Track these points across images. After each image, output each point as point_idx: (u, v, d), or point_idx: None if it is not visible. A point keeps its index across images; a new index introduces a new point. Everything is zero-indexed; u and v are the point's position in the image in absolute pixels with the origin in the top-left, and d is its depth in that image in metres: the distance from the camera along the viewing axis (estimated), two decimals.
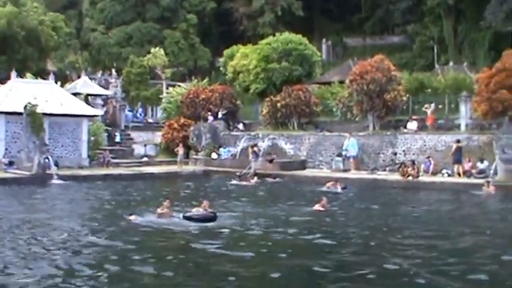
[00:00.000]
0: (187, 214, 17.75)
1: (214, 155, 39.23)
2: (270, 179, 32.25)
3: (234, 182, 31.07)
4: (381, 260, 12.93)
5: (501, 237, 16.33)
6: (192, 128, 41.12)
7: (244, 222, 17.66)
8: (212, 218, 17.45)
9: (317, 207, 20.45)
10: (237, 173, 33.20)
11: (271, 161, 34.17)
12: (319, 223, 18.24)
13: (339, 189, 26.52)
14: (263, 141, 38.10)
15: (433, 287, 11.03)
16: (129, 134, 44.45)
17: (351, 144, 33.81)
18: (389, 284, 11.35)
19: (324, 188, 26.93)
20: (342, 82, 40.42)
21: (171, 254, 13.62)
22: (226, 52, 50.67)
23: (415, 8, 61.26)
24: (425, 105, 35.52)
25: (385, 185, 29.64)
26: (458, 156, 30.12)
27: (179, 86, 49.13)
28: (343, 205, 22.36)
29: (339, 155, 34.54)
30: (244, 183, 30.67)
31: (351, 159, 33.74)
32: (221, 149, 39.40)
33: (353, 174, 32.05)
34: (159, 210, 18.03)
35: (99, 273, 11.50)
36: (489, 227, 17.95)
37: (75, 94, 40.14)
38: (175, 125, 41.80)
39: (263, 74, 42.77)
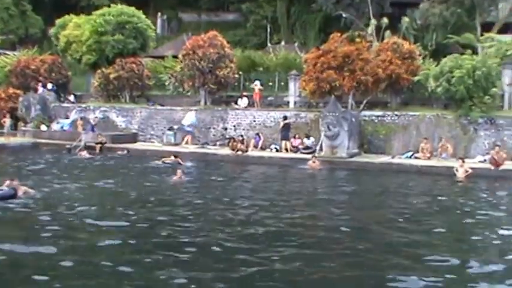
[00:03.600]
0: None
1: (43, 127, 37.93)
2: (120, 152, 31.59)
3: (73, 155, 30.48)
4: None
5: (315, 206, 17.55)
6: (21, 99, 39.53)
7: (54, 198, 16.94)
8: (11, 196, 16.33)
9: (174, 178, 21.30)
10: (67, 146, 32.39)
11: (99, 143, 33.13)
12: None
13: (179, 163, 26.76)
14: (94, 113, 37.28)
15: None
16: None
17: (190, 118, 33.98)
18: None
19: (160, 162, 27.11)
20: (175, 57, 40.22)
21: None
22: (58, 21, 48.79)
23: None
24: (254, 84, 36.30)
25: (215, 159, 29.98)
26: (286, 132, 31.07)
27: (8, 54, 46.93)
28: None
29: (170, 128, 34.53)
30: (87, 156, 30.10)
31: (189, 134, 33.69)
32: (63, 121, 38.14)
33: (184, 148, 32.10)
34: None
35: None
36: (306, 197, 19.45)
37: None
38: (3, 95, 40.05)
39: (96, 46, 41.71)
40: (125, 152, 31.81)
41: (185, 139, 33.50)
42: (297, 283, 9.81)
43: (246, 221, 14.52)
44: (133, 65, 39.31)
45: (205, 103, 36.32)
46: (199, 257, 11.18)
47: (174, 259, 10.94)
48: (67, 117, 38.44)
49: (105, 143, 33.12)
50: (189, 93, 37.50)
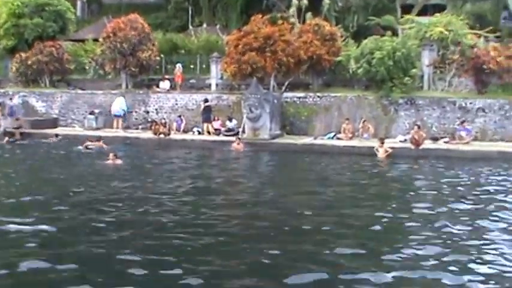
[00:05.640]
0: None
1: None
2: (53, 139, 30.46)
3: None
4: None
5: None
6: None
7: None
8: None
9: (107, 162, 21.25)
10: None
11: (17, 128, 32.20)
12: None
13: (103, 147, 26.28)
14: (12, 99, 36.13)
15: None
16: None
17: (120, 103, 33.30)
18: None
19: (82, 147, 26.46)
20: (96, 40, 39.36)
21: None
22: None
23: None
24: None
25: (137, 142, 29.64)
26: (207, 115, 30.89)
27: None
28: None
29: (92, 113, 33.91)
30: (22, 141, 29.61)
31: (118, 118, 33.13)
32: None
33: (105, 132, 31.53)
34: None
35: None
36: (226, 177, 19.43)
37: None
38: None
39: (14, 30, 40.41)
40: (55, 138, 30.73)
41: (115, 123, 32.95)
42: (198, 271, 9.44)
43: (166, 205, 14.30)
44: (53, 49, 38.14)
45: (127, 86, 35.75)
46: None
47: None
48: None
49: (21, 127, 32.13)
50: (109, 76, 36.80)
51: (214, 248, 10.40)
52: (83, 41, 43.53)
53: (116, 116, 33.10)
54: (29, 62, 37.84)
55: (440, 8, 39.68)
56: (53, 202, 14.30)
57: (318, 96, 30.79)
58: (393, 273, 9.08)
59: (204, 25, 48.20)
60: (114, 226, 12.00)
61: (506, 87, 29.21)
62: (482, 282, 8.88)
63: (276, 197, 16.03)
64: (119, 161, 21.45)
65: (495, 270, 9.43)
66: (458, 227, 12.17)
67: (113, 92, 34.83)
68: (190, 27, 48.94)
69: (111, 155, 21.66)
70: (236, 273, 9.18)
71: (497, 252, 10.39)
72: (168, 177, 19.25)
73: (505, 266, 9.64)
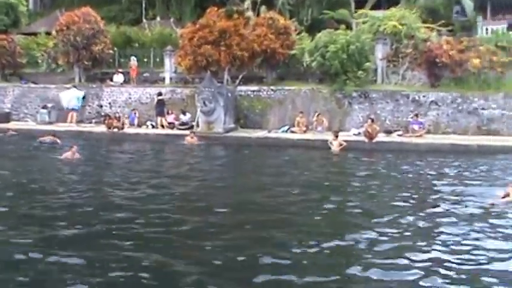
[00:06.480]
0: None
1: None
2: (11, 133, 29.98)
3: None
4: None
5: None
6: None
7: None
8: None
9: (67, 155, 20.66)
10: None
11: None
12: None
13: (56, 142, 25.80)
14: None
15: None
16: None
17: (74, 97, 32.83)
18: None
19: (39, 140, 26.04)
20: (48, 33, 38.86)
21: None
22: None
23: None
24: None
25: (91, 137, 29.21)
26: (160, 108, 30.72)
27: None
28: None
29: (44, 107, 33.40)
30: None
31: (73, 112, 32.59)
32: None
33: (58, 126, 31.06)
34: None
35: None
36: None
37: None
38: None
39: None
40: (8, 132, 30.13)
41: (69, 117, 32.37)
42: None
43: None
44: (5, 42, 37.46)
45: (80, 80, 35.35)
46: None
47: None
48: None
49: None
50: (60, 69, 36.42)
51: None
52: (35, 34, 42.92)
53: (73, 109, 32.57)
54: None
55: (393, 2, 39.86)
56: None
57: (272, 90, 30.79)
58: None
59: (158, 18, 47.88)
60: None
61: (458, 81, 29.49)
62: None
63: (226, 191, 15.92)
64: (77, 155, 21.01)
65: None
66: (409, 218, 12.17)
67: (66, 86, 34.33)
68: (144, 20, 48.57)
69: (74, 148, 21.09)
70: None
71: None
72: (120, 172, 18.99)
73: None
